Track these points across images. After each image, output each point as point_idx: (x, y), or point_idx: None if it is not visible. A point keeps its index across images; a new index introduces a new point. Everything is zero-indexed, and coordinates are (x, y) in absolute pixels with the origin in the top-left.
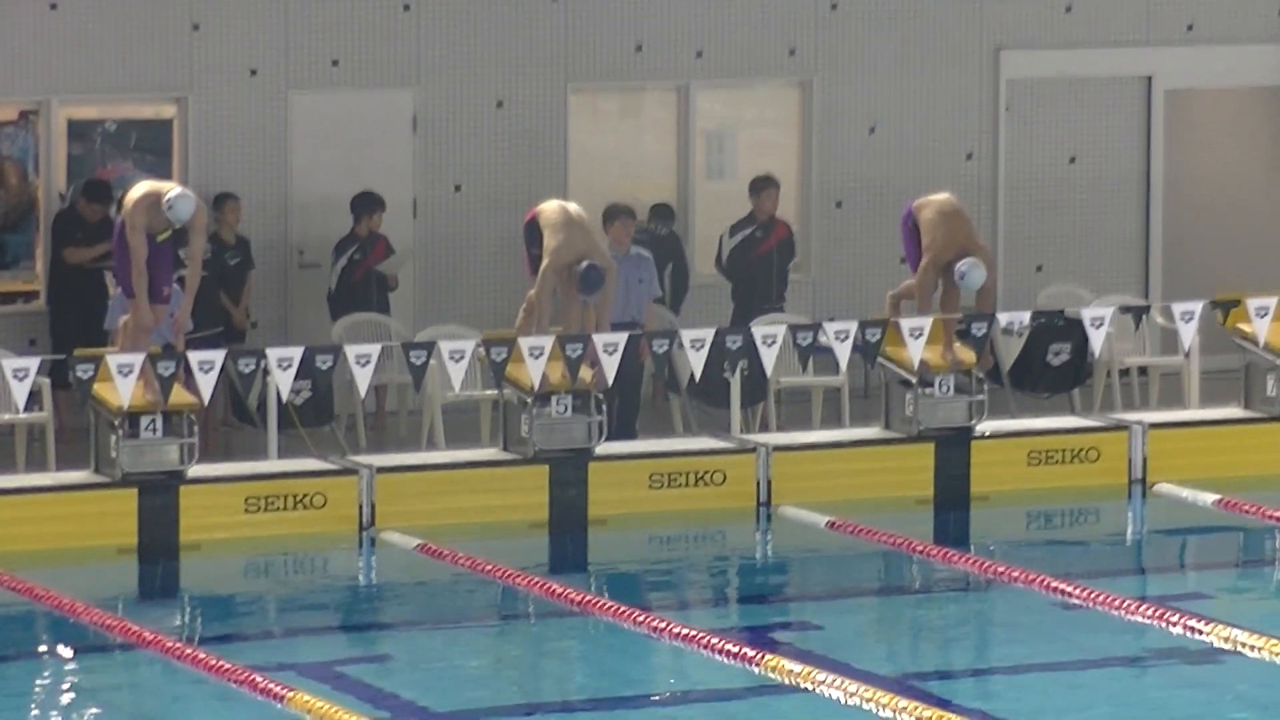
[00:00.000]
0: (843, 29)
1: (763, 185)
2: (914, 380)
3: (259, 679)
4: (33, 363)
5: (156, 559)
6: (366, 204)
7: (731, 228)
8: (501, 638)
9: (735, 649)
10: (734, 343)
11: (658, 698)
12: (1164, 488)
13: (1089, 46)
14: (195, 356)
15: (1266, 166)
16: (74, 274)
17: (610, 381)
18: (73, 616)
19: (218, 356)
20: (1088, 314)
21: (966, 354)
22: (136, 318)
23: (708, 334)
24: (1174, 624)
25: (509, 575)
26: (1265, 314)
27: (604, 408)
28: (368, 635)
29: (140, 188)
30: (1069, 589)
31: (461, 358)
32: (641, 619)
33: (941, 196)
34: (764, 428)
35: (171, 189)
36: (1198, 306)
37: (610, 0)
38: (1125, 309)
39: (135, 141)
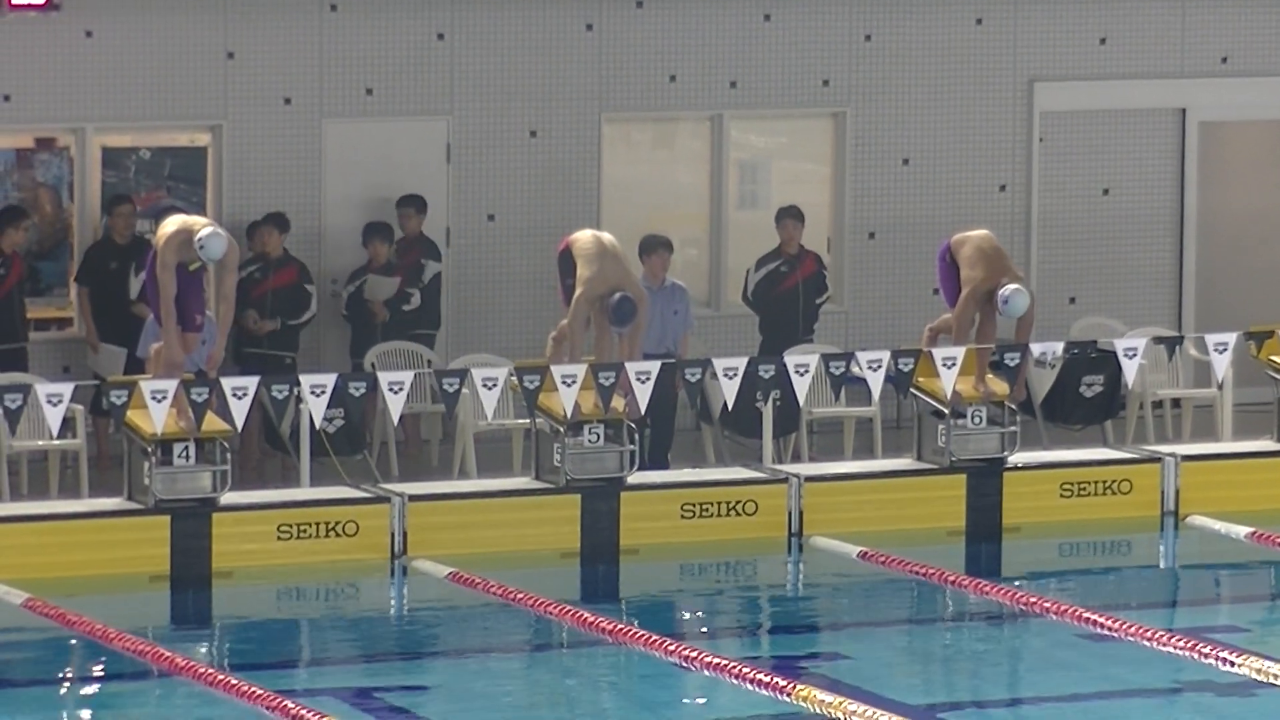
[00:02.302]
0: (876, 61)
1: (783, 216)
2: (946, 411)
3: (291, 706)
4: (66, 389)
5: (189, 586)
6: (371, 232)
7: (758, 261)
8: (532, 666)
9: (766, 679)
10: (766, 372)
11: None
12: (1197, 520)
13: (1123, 79)
14: (229, 384)
15: None
16: (113, 304)
17: (642, 411)
18: (106, 643)
19: (251, 383)
20: (1121, 346)
21: (999, 385)
22: (167, 354)
23: (740, 363)
24: (1206, 656)
25: (540, 604)
26: None
27: (636, 437)
28: (399, 663)
29: (172, 223)
30: (1101, 620)
31: (494, 386)
32: (673, 648)
33: (979, 232)
34: (796, 458)
35: (203, 228)
36: (1231, 338)
37: (644, 30)
38: (1158, 341)
39: (169, 169)
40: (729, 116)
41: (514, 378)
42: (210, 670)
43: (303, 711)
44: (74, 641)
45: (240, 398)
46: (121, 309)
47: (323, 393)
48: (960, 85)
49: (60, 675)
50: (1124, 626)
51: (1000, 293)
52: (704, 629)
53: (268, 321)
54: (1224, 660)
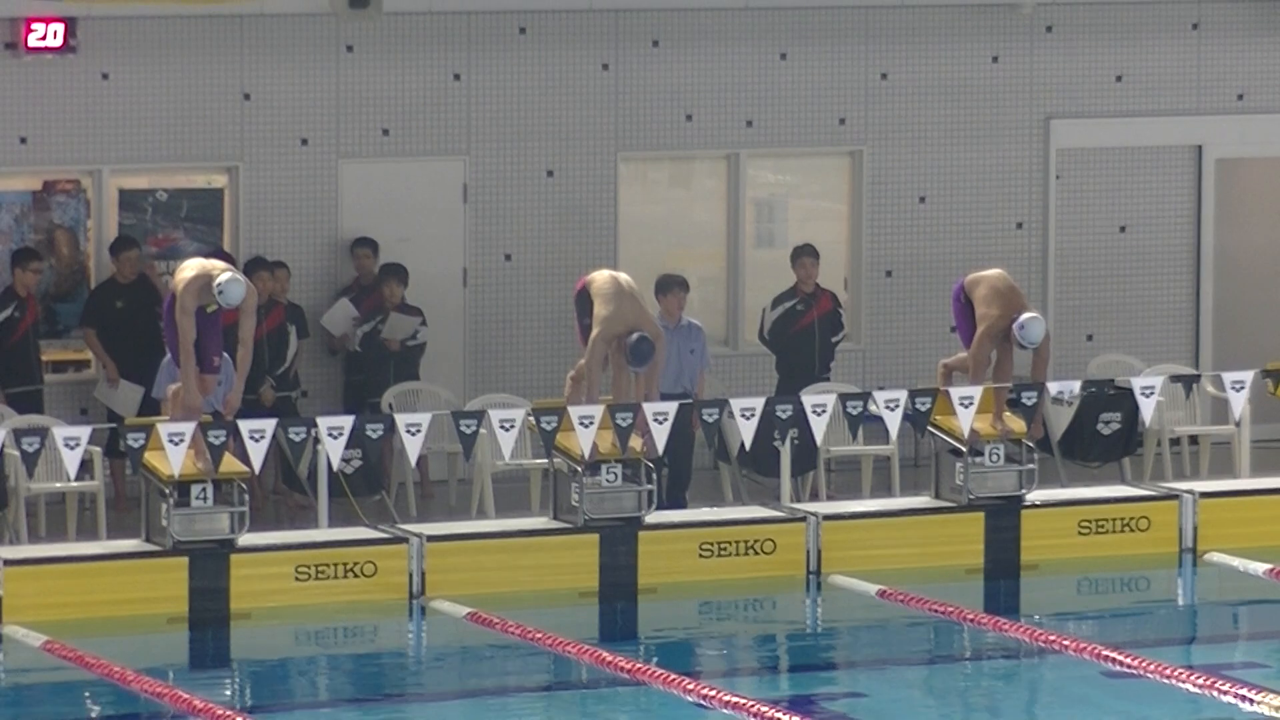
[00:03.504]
0: (893, 99)
1: (799, 254)
2: (964, 449)
3: None
4: (84, 431)
5: (207, 627)
6: (387, 272)
7: (774, 300)
8: (551, 706)
9: (785, 717)
10: (784, 412)
11: None
12: (1215, 557)
13: (1139, 116)
14: (246, 425)
15: None
16: (122, 343)
17: (660, 450)
18: (124, 685)
19: (269, 425)
20: (1138, 383)
21: (1016, 423)
22: (186, 399)
23: (758, 403)
24: (1225, 693)
25: (559, 643)
26: None
27: (654, 477)
28: (418, 704)
29: (190, 268)
30: (1120, 658)
31: (511, 426)
32: (691, 687)
33: (994, 272)
34: (814, 497)
35: (222, 273)
36: (1248, 375)
37: (660, 70)
38: (1175, 378)
39: (186, 211)
40: (745, 155)
41: (531, 418)
42: (229, 711)
43: None
44: (92, 683)
45: (258, 440)
46: (130, 348)
47: (340, 434)
48: (977, 123)
49: (79, 717)
50: (1143, 664)
51: (1017, 321)
52: (723, 668)
53: (270, 392)
54: (1243, 697)
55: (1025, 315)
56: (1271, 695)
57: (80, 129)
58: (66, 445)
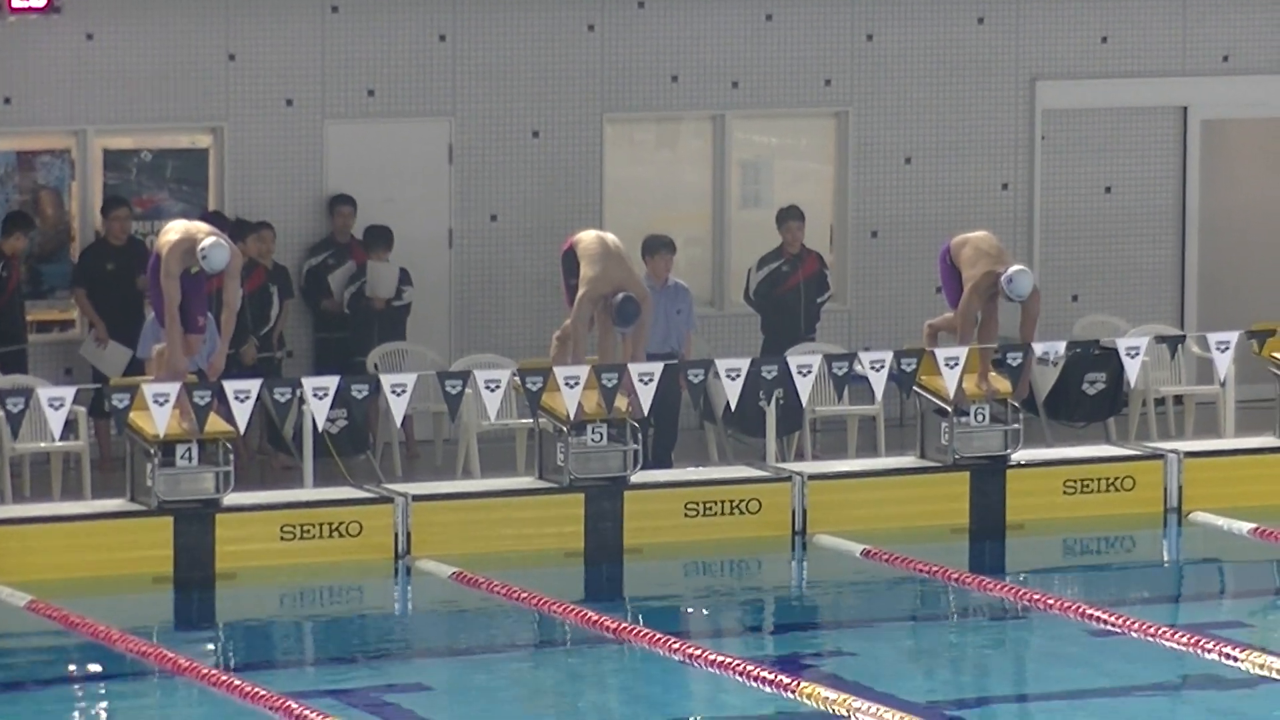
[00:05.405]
0: (878, 60)
1: (784, 217)
2: (950, 409)
3: (294, 706)
4: (68, 392)
5: (192, 587)
6: (373, 235)
7: (760, 261)
8: (537, 666)
9: (770, 676)
10: (769, 372)
11: None
12: (1199, 516)
13: (1125, 77)
14: (231, 385)
15: None
16: (112, 305)
17: (645, 410)
18: (109, 645)
19: (254, 385)
20: (1123, 343)
21: (1002, 383)
22: (171, 362)
23: (743, 363)
24: (1209, 651)
25: (544, 603)
26: None
27: (639, 437)
28: (403, 663)
29: (174, 230)
30: (1105, 617)
31: (497, 387)
32: (677, 646)
33: (979, 234)
34: (799, 457)
35: (206, 238)
36: (1233, 336)
37: (646, 31)
38: (1161, 338)
39: (171, 172)
40: (731, 116)
41: (517, 378)
42: (214, 671)
43: (306, 712)
44: (77, 643)
45: (243, 400)
46: (121, 310)
47: (325, 395)
48: (962, 84)
49: (63, 677)
50: (1127, 623)
51: (1004, 276)
52: (708, 627)
53: (252, 350)
54: (1227, 656)
55: (1013, 269)
56: (1255, 653)
57: (65, 90)
58: (51, 405)
